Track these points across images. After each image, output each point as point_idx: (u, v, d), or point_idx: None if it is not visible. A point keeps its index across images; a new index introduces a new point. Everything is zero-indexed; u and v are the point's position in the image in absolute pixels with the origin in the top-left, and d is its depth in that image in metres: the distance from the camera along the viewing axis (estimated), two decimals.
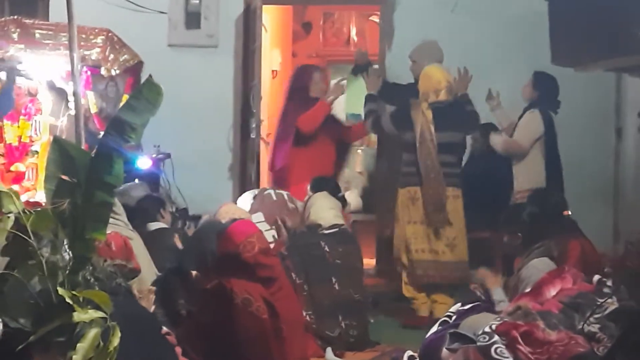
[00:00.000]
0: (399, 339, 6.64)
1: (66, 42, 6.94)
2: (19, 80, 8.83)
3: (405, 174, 7.56)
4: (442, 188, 7.29)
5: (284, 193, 7.53)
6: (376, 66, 8.92)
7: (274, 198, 7.36)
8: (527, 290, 5.19)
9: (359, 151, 12.46)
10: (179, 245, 6.55)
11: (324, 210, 7.05)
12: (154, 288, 5.04)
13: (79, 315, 3.42)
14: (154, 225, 6.71)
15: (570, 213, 6.66)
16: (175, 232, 6.99)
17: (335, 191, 7.60)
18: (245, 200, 7.61)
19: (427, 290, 7.42)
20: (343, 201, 7.75)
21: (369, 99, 7.93)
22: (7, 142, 8.86)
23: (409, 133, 7.44)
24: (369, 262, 8.56)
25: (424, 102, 7.36)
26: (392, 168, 8.45)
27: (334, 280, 6.62)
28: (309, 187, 7.63)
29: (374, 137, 10.13)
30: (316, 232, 6.86)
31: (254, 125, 9.17)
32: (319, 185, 7.51)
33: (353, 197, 11.07)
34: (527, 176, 7.53)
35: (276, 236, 7.00)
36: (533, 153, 7.55)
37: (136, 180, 7.88)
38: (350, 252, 6.89)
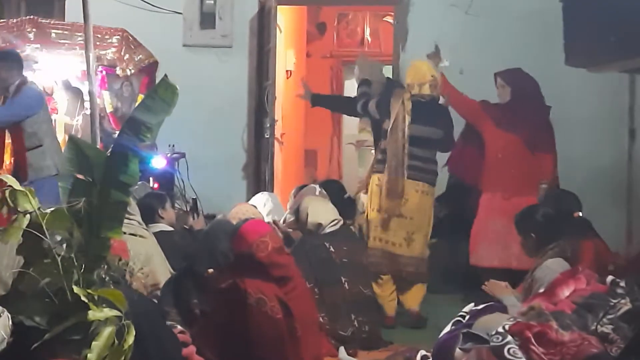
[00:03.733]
0: (412, 338, 6.64)
1: (82, 42, 7.00)
2: (34, 80, 8.89)
3: (378, 161, 7.59)
4: (401, 178, 7.30)
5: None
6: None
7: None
8: (541, 290, 5.18)
9: (373, 152, 12.41)
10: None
11: (321, 209, 7.03)
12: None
13: (94, 314, 3.44)
14: (153, 228, 6.45)
15: (580, 214, 6.65)
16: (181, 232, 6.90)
17: (342, 193, 7.65)
18: (259, 201, 7.62)
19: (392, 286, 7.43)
20: (350, 203, 7.80)
21: (362, 83, 7.99)
22: None
23: (387, 121, 7.45)
24: None
25: (407, 93, 7.40)
26: None
27: (343, 279, 6.63)
28: (292, 193, 7.77)
29: None
30: (319, 233, 6.86)
31: (268, 125, 9.21)
32: (328, 187, 7.52)
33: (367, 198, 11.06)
34: None
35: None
36: None
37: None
38: (356, 249, 6.91)
